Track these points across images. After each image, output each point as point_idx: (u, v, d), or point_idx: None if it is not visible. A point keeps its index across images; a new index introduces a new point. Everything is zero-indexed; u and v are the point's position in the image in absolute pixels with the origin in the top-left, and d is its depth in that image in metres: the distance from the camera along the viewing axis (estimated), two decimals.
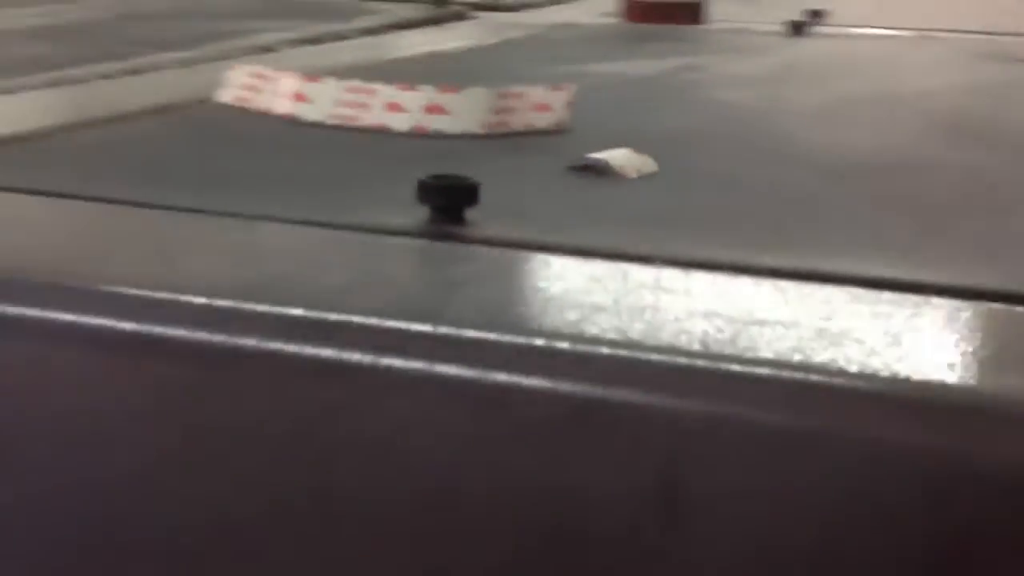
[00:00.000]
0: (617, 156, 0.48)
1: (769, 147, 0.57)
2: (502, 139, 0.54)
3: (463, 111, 0.55)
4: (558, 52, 0.91)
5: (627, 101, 0.70)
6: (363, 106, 0.55)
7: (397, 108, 0.55)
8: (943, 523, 0.27)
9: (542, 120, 0.57)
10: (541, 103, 0.57)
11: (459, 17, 1.16)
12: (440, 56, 0.85)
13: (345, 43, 0.89)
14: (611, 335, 0.29)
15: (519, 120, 0.56)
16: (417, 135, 0.54)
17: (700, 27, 1.07)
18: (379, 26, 1.00)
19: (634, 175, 0.48)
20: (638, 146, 0.50)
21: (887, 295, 0.33)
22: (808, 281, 0.34)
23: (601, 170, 0.48)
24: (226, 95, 0.60)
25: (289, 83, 0.57)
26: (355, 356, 0.30)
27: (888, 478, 0.27)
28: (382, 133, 0.54)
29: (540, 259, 0.37)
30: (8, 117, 0.57)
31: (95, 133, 0.54)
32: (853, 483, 0.27)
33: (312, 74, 0.57)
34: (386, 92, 0.55)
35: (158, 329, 0.31)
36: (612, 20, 1.14)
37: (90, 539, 0.33)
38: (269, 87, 0.58)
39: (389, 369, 0.30)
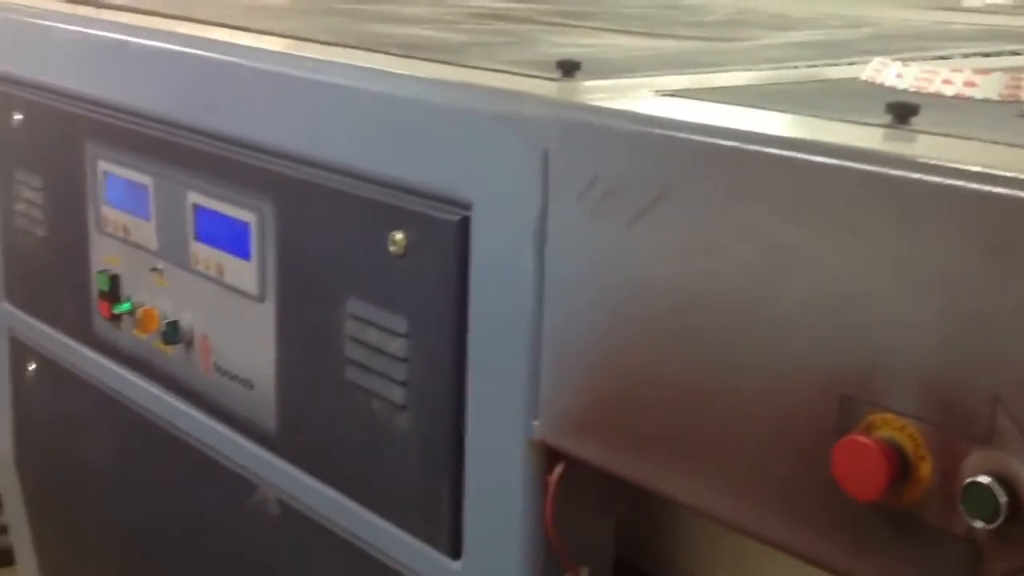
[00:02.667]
0: None
1: None
2: (1004, 104, 0.88)
3: (987, 86, 0.90)
4: None
5: None
6: (929, 81, 0.92)
7: (948, 82, 0.91)
8: None
9: None
10: None
11: None
12: None
13: (1011, 58, 1.23)
14: None
15: None
16: (958, 99, 0.90)
17: None
18: None
19: None
20: None
21: None
22: None
23: None
24: (863, 75, 0.99)
25: (894, 66, 0.96)
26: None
27: None
28: (935, 96, 0.91)
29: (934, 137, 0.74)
30: (743, 79, 1.02)
31: (772, 87, 0.98)
32: None
33: (909, 61, 0.95)
34: (944, 72, 0.92)
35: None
36: None
37: None
38: (885, 70, 0.97)
39: None
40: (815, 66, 1.12)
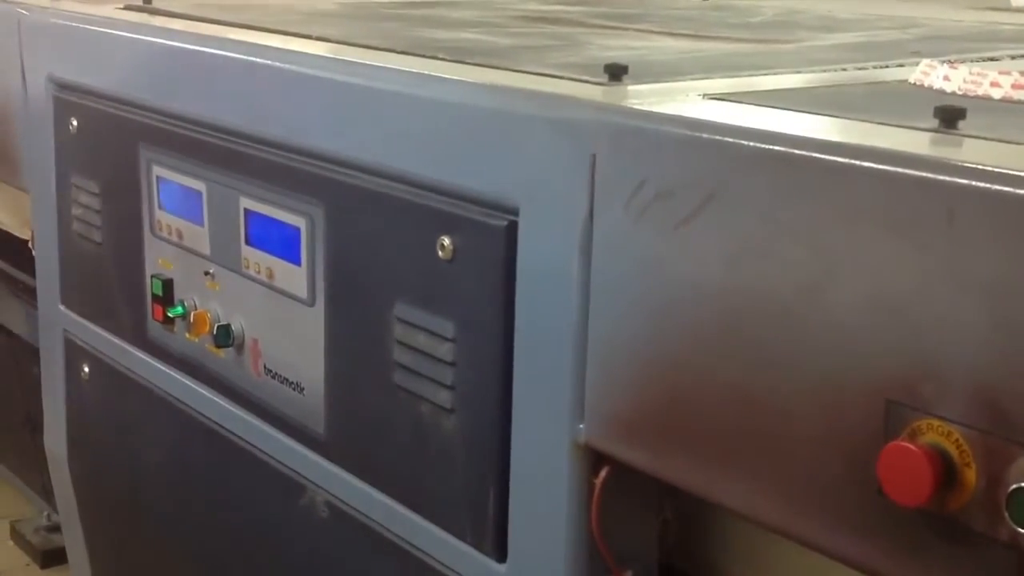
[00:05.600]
0: None
1: None
2: None
3: None
4: None
5: None
6: (977, 84, 0.92)
7: (996, 85, 0.91)
8: None
9: None
10: None
11: None
12: None
13: None
14: None
15: None
16: (1005, 101, 0.90)
17: None
18: None
19: None
20: None
21: None
22: None
23: None
24: (912, 78, 0.99)
25: (942, 69, 0.95)
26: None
27: None
28: (982, 99, 0.90)
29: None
30: (791, 82, 1.02)
31: (821, 90, 0.98)
32: None
33: (957, 64, 0.95)
34: (991, 75, 0.91)
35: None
36: None
37: None
38: (933, 72, 0.96)
39: None
40: (863, 68, 1.11)
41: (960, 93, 0.92)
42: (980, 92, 0.91)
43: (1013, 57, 1.21)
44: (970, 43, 1.36)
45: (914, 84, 0.98)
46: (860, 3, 2.33)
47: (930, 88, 0.96)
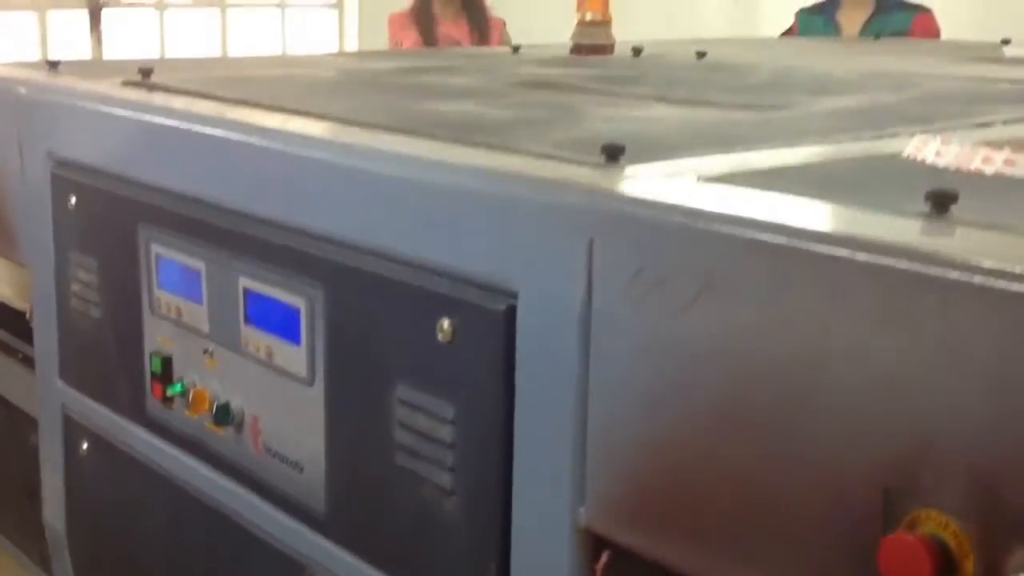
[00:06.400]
0: None
1: None
2: None
3: None
4: None
5: None
6: (969, 159, 0.92)
7: (989, 160, 0.91)
8: None
9: None
10: None
11: None
12: None
13: None
14: None
15: None
16: (998, 177, 0.90)
17: None
18: None
19: None
20: None
21: None
22: None
23: None
24: (906, 152, 1.00)
25: (934, 144, 0.96)
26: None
27: None
28: (974, 175, 0.91)
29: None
30: (786, 158, 1.03)
31: (815, 167, 0.98)
32: None
33: (949, 136, 0.96)
34: (984, 150, 0.92)
35: None
36: None
37: None
38: (925, 148, 0.97)
39: None
40: (858, 139, 1.12)
41: (952, 169, 0.93)
42: (972, 167, 0.92)
43: (1006, 122, 1.22)
44: (963, 106, 1.36)
45: (907, 158, 0.98)
46: (856, 57, 2.35)
47: (923, 162, 0.96)
